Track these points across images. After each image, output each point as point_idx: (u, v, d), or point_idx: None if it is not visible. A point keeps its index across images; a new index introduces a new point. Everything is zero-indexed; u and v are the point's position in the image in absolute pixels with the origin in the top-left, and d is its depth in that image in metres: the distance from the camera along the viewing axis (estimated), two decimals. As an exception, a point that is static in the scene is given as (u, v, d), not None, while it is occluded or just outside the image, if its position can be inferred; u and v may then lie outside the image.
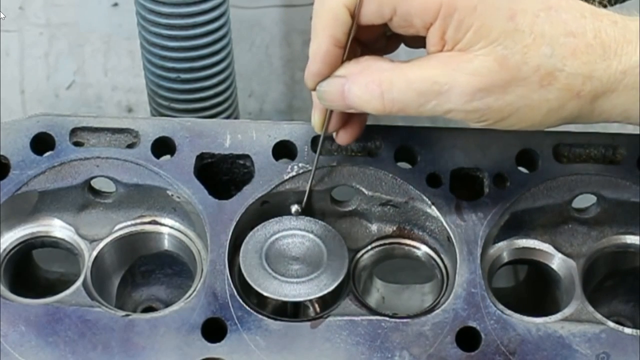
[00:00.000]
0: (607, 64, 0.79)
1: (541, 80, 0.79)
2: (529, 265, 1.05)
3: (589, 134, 0.97)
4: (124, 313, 0.89)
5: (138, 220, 0.98)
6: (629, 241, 0.98)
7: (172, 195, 0.96)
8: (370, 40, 0.88)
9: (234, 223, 0.92)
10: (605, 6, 1.00)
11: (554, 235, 0.98)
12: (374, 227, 0.99)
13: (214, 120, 1.11)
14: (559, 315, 0.91)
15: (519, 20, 0.79)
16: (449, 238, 0.93)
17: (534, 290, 1.04)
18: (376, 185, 0.96)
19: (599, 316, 0.91)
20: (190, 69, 1.13)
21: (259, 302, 0.92)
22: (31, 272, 1.05)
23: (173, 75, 1.14)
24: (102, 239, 0.97)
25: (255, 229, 0.92)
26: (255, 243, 0.91)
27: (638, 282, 1.01)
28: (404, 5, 0.80)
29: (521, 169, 0.96)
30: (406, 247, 0.99)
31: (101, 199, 0.98)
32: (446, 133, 0.97)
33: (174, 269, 1.02)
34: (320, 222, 0.93)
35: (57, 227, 0.98)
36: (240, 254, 0.90)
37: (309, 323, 0.88)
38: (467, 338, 0.88)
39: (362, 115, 0.91)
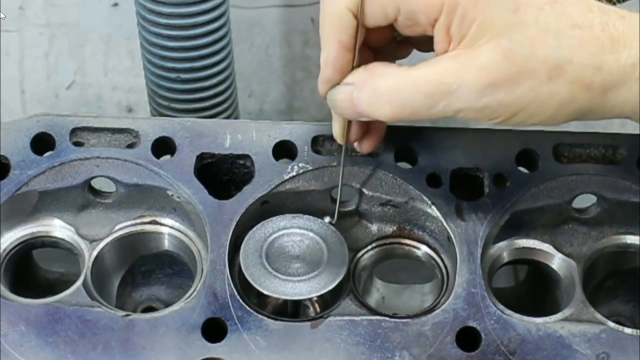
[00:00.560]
0: (616, 56, 0.78)
1: (550, 72, 0.78)
2: (529, 265, 1.05)
3: (589, 134, 0.97)
4: (124, 313, 0.89)
5: (138, 220, 0.98)
6: (629, 241, 0.98)
7: (172, 195, 0.96)
8: (381, 44, 0.87)
9: (234, 223, 0.92)
10: (614, 4, 0.99)
11: (554, 235, 0.98)
12: (374, 227, 0.99)
13: (214, 120, 1.11)
14: (559, 315, 0.91)
15: (522, 13, 0.78)
16: (449, 238, 0.93)
17: (534, 290, 1.04)
18: (376, 185, 0.96)
19: (599, 316, 0.91)
20: (190, 69, 1.13)
21: (259, 302, 0.92)
22: (31, 272, 1.05)
23: (173, 75, 1.14)
24: (102, 239, 0.97)
25: (256, 227, 0.92)
26: (256, 241, 0.91)
27: (638, 282, 1.01)
28: (407, 4, 0.80)
29: (521, 169, 0.96)
30: (406, 247, 0.99)
31: (101, 199, 0.98)
32: (446, 133, 0.97)
33: (174, 269, 1.02)
34: (319, 220, 0.93)
35: (57, 227, 0.98)
36: (241, 252, 0.90)
37: (309, 323, 0.88)
38: (467, 338, 0.88)
39: (381, 123, 0.91)
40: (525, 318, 0.89)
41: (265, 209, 0.95)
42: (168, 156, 0.96)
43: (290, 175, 0.95)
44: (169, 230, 0.98)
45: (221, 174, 0.97)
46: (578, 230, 0.98)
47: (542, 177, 0.95)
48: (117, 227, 0.98)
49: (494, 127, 0.97)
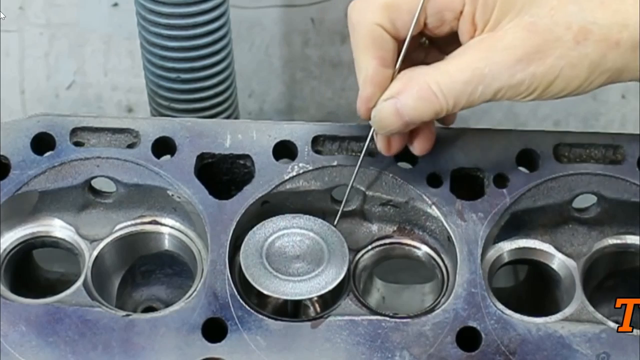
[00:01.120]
0: None
1: (575, 36, 0.80)
2: (529, 265, 1.05)
3: (590, 133, 0.97)
4: (124, 313, 0.89)
5: (138, 220, 0.98)
6: (629, 241, 0.98)
7: (172, 195, 0.96)
8: (410, 53, 0.89)
9: (234, 223, 0.92)
10: None
11: (554, 235, 0.98)
12: (374, 227, 0.99)
13: (214, 120, 1.11)
14: (559, 315, 0.91)
15: None
16: (449, 238, 0.93)
17: (534, 290, 1.04)
18: (376, 185, 0.96)
19: (599, 316, 0.91)
20: (191, 69, 1.13)
21: (259, 302, 0.92)
22: (31, 272, 1.05)
23: (173, 75, 1.14)
24: (102, 239, 0.97)
25: (256, 227, 0.92)
26: (256, 241, 0.91)
27: (638, 282, 1.01)
28: (433, 5, 0.83)
29: (521, 169, 0.96)
30: (406, 247, 0.99)
31: (101, 199, 0.98)
32: (446, 133, 0.97)
33: (174, 269, 1.02)
34: (319, 220, 0.93)
35: (58, 227, 0.98)
36: (241, 252, 0.90)
37: (309, 323, 0.88)
38: (468, 338, 0.87)
39: (427, 124, 0.91)
40: (526, 318, 0.89)
41: (266, 209, 0.95)
42: (168, 156, 0.96)
43: (291, 175, 0.95)
44: (169, 230, 0.98)
45: (221, 174, 0.97)
46: (578, 230, 0.98)
47: (542, 177, 0.95)
48: (117, 227, 0.98)
49: (494, 127, 0.98)
